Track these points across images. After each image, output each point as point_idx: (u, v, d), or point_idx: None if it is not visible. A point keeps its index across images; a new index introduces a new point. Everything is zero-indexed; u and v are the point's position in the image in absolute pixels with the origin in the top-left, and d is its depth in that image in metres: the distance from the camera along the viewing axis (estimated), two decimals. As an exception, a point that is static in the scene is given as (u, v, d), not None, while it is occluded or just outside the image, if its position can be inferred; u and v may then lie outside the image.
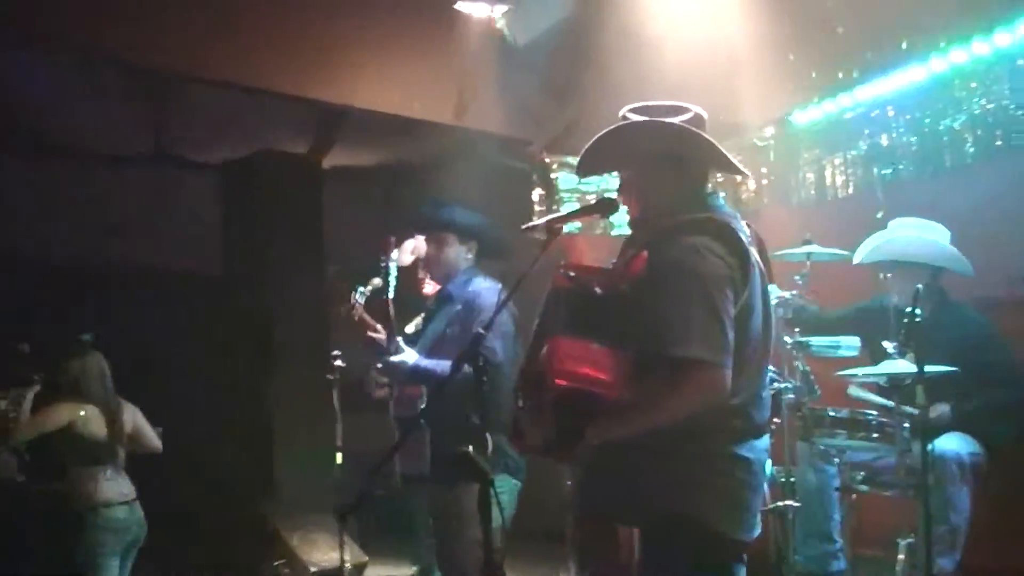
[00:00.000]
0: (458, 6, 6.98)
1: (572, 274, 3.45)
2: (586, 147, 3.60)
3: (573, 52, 7.08)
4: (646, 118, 3.54)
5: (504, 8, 6.91)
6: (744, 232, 3.46)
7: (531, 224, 3.80)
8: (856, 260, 5.79)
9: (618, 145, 3.58)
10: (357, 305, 5.88)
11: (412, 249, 6.04)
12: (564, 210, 7.77)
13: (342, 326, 6.44)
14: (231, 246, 9.45)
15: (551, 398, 3.33)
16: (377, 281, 5.92)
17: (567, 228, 7.53)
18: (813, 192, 7.21)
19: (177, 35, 7.18)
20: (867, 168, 6.79)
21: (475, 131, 8.18)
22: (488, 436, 3.71)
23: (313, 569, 7.71)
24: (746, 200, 7.58)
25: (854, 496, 5.71)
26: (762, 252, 3.61)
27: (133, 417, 6.78)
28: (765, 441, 3.55)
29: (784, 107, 7.17)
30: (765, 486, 5.57)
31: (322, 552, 7.81)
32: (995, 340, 5.66)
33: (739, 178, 7.47)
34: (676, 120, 3.51)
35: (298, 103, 8.21)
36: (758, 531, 3.51)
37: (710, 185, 3.73)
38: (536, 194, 8.14)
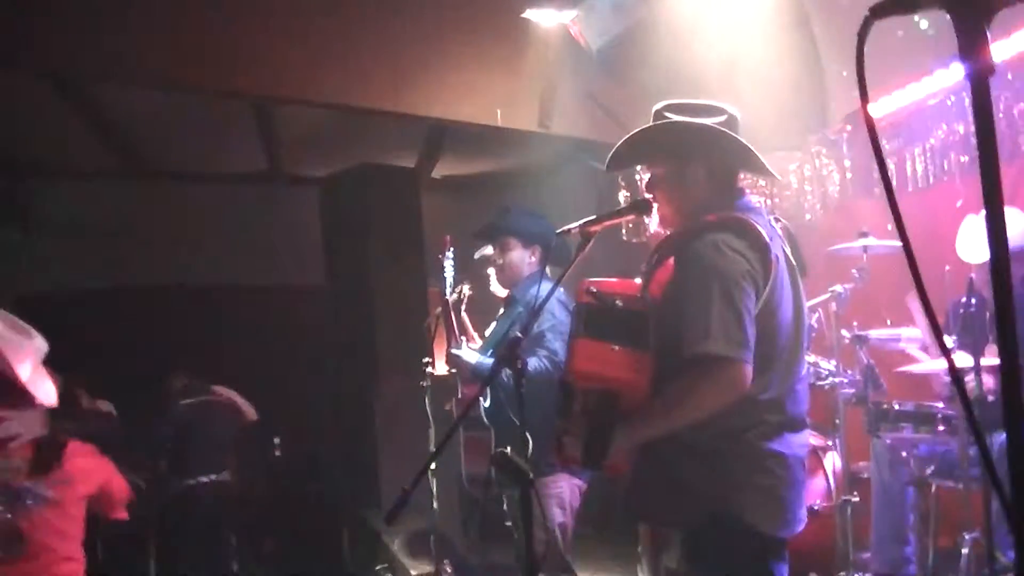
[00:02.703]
0: (526, 15, 7.03)
1: (594, 290, 3.52)
2: (620, 142, 3.66)
3: (649, 53, 7.09)
4: (679, 117, 3.58)
5: (573, 13, 6.94)
6: (768, 227, 3.47)
7: (566, 228, 3.85)
8: (977, 260, 5.59)
9: (650, 142, 3.64)
10: (451, 304, 6.00)
11: (480, 251, 6.15)
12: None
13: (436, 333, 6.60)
14: (333, 258, 9.63)
15: (577, 402, 3.40)
16: (466, 289, 6.07)
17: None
18: (895, 183, 7.09)
19: (285, 63, 7.40)
20: (945, 157, 6.65)
21: (559, 137, 8.24)
22: (528, 436, 3.79)
23: (414, 573, 7.83)
24: (831, 193, 7.48)
25: (933, 489, 5.62)
26: (793, 247, 3.62)
27: None
28: (803, 436, 3.55)
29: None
30: (823, 479, 5.57)
31: (422, 556, 7.94)
32: None
33: (824, 172, 7.43)
34: (709, 121, 3.54)
35: (402, 119, 8.37)
36: (799, 528, 3.50)
37: (746, 184, 3.76)
38: (622, 196, 8.13)
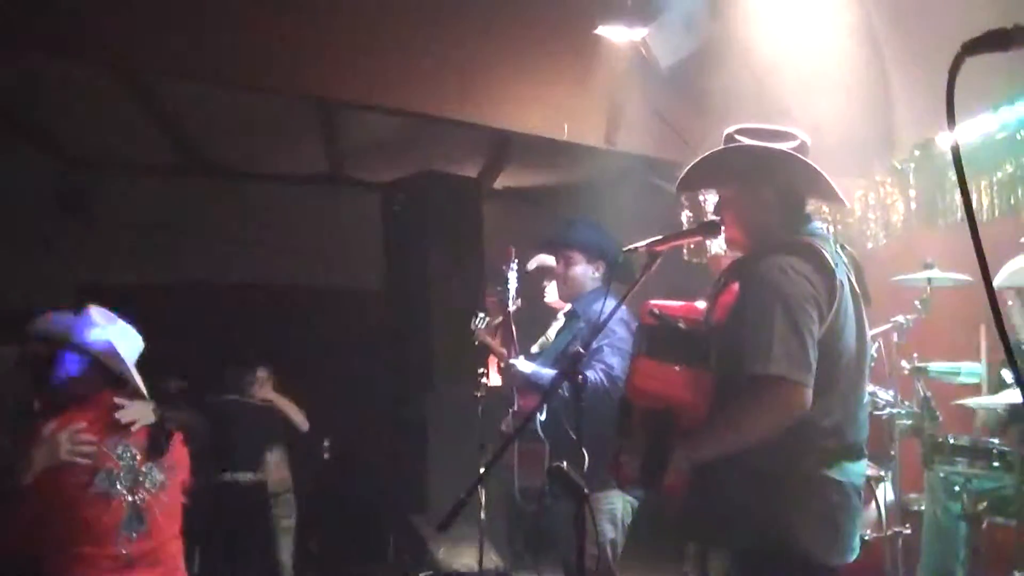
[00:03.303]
0: (598, 31, 7.06)
1: (657, 311, 3.56)
2: (691, 164, 3.68)
3: (718, 73, 7.09)
4: (751, 141, 3.60)
5: (644, 31, 6.97)
6: (834, 254, 3.49)
7: (633, 246, 3.87)
8: (996, 283, 5.63)
9: (720, 165, 3.66)
10: (478, 330, 6.06)
11: (535, 260, 6.18)
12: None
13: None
14: (394, 264, 9.68)
15: (636, 419, 3.44)
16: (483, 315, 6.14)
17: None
18: (959, 215, 7.03)
19: (350, 66, 7.47)
20: (1012, 192, 6.60)
21: (625, 153, 8.25)
22: (584, 451, 3.80)
23: (457, 580, 7.91)
24: (895, 223, 7.44)
25: (984, 525, 5.57)
26: (858, 275, 3.63)
27: None
28: (862, 464, 3.55)
29: (931, 129, 7.04)
30: (875, 510, 5.55)
31: (467, 563, 7.98)
32: None
33: (888, 201, 7.40)
34: (781, 145, 3.56)
35: (468, 128, 8.42)
36: (852, 557, 3.51)
37: (811, 210, 3.77)
38: (684, 216, 8.12)
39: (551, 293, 6.41)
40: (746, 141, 3.63)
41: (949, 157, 6.81)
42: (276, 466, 7.99)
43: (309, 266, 10.30)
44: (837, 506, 3.43)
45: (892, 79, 7.00)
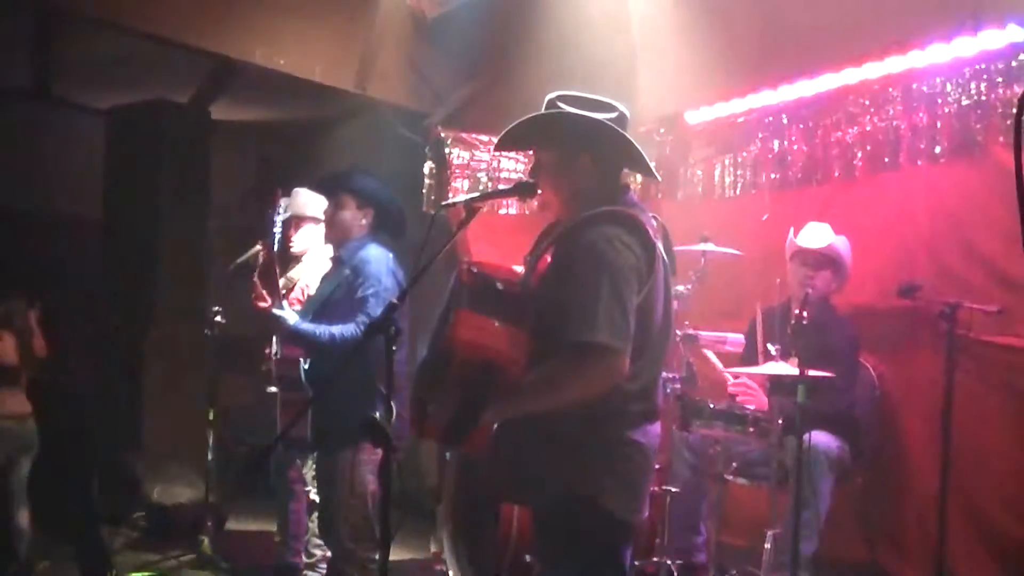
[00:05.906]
0: (377, -23, 7.01)
1: (475, 270, 3.58)
2: (514, 124, 3.70)
3: (480, 31, 7.15)
4: (576, 110, 3.66)
5: (421, -19, 6.97)
6: (652, 225, 3.62)
7: (451, 201, 3.91)
8: (809, 244, 5.91)
9: (542, 128, 3.71)
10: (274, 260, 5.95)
11: (284, 206, 6.09)
12: (457, 186, 7.94)
13: (223, 283, 6.50)
14: (115, 193, 9.28)
15: (454, 371, 3.43)
16: (256, 248, 6.06)
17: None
18: (700, 190, 7.40)
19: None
20: (756, 171, 6.99)
21: (373, 99, 8.19)
22: (393, 404, 3.80)
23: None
24: (633, 190, 7.69)
25: (720, 486, 5.94)
26: (667, 244, 3.77)
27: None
28: (657, 427, 3.70)
29: (681, 104, 7.34)
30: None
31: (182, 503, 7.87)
32: (848, 353, 5.90)
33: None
34: (601, 116, 3.64)
35: (188, 52, 8.10)
36: (645, 514, 3.68)
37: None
38: (427, 167, 8.13)
39: (300, 239, 6.38)
40: (567, 108, 3.69)
41: (698, 131, 7.20)
42: None
43: (15, 188, 9.69)
44: (638, 467, 3.57)
45: (646, 53, 7.23)
